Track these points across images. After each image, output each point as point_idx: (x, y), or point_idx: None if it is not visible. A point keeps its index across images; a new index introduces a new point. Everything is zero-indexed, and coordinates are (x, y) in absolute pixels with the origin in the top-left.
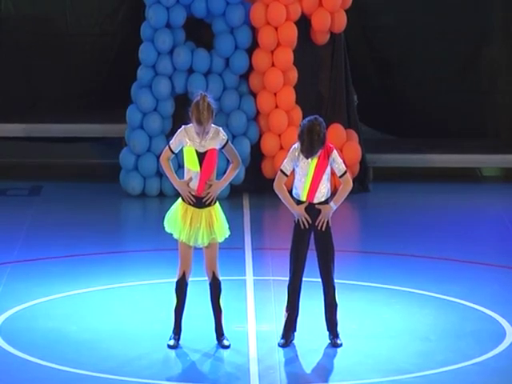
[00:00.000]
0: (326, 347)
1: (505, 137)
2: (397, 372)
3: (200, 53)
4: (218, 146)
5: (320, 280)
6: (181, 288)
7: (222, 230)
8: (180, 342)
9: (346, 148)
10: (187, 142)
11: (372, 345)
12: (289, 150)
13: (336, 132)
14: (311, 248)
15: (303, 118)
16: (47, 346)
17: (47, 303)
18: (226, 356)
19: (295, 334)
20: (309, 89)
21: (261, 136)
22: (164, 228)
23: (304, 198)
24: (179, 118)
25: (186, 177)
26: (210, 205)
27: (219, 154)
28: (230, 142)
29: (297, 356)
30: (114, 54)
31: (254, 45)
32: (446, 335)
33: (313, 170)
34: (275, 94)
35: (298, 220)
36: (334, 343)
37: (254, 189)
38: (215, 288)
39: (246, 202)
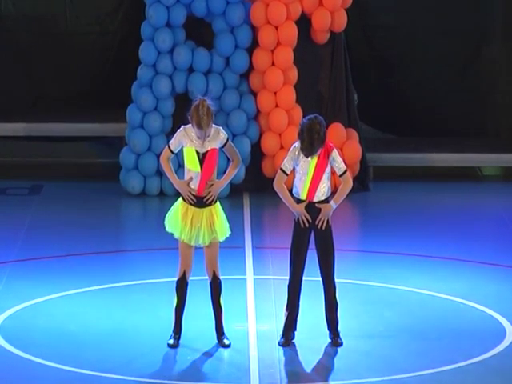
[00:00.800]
0: (327, 346)
1: (505, 136)
2: (397, 371)
3: (200, 52)
4: (218, 146)
5: (320, 279)
6: (181, 287)
7: (222, 230)
8: (180, 341)
9: (346, 147)
10: (187, 142)
11: (372, 344)
12: (289, 149)
13: (336, 131)
14: (311, 247)
15: (303, 117)
16: (47, 345)
17: (47, 302)
18: (226, 355)
19: (295, 333)
20: (309, 88)
21: (261, 135)
22: (164, 227)
23: (304, 197)
24: (179, 118)
25: (187, 177)
26: (210, 204)
27: (219, 153)
28: (230, 141)
29: (297, 355)
30: (114, 53)
31: (254, 44)
32: (446, 334)
33: (313, 169)
34: (275, 94)
35: (298, 219)
36: (335, 342)
37: (254, 188)
38: (215, 287)
39: (246, 201)
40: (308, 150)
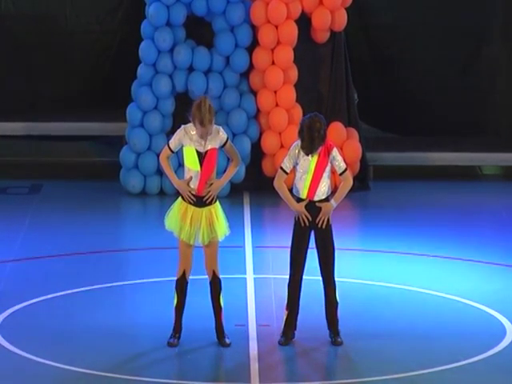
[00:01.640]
0: (327, 345)
1: (504, 135)
2: (397, 370)
3: (200, 51)
4: (218, 145)
5: (320, 278)
6: (181, 286)
7: (222, 229)
8: (180, 340)
9: (347, 146)
10: (187, 141)
11: (372, 343)
12: (289, 148)
13: (336, 130)
14: (312, 246)
15: (303, 116)
16: (47, 345)
17: (47, 301)
18: (226, 354)
19: (295, 332)
20: (309, 87)
21: (261, 134)
22: (164, 226)
23: (304, 196)
24: (179, 117)
25: (186, 176)
26: (210, 204)
27: (219, 153)
28: (229, 141)
29: (297, 354)
30: (114, 52)
31: (255, 43)
32: (446, 333)
33: (313, 168)
34: (275, 93)
35: (299, 218)
36: (335, 341)
37: (254, 187)
38: (215, 286)
39: (246, 200)
40: (308, 147)
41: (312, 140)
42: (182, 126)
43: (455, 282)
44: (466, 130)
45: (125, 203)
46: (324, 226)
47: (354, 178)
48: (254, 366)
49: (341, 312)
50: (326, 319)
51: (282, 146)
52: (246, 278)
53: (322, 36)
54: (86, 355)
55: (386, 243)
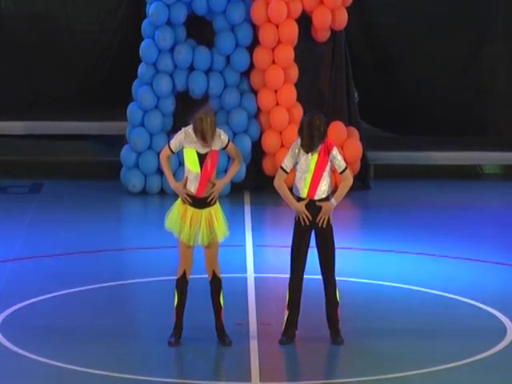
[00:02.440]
0: (328, 344)
1: (505, 134)
2: (398, 369)
3: (201, 50)
4: (219, 148)
5: (321, 277)
6: (181, 286)
7: (221, 230)
8: (180, 339)
9: (347, 145)
10: (188, 144)
11: (373, 342)
12: (289, 148)
13: (337, 129)
14: (312, 245)
15: (304, 115)
16: (47, 344)
17: (48, 300)
18: (226, 353)
19: (296, 331)
20: (309, 86)
21: (262, 133)
22: (165, 225)
23: (305, 195)
24: (180, 116)
25: (186, 176)
26: (209, 205)
27: (220, 154)
28: (231, 142)
29: (298, 353)
30: (115, 52)
31: (255, 42)
32: (446, 332)
33: (313, 167)
34: (276, 92)
35: (299, 217)
36: (336, 340)
37: (254, 186)
38: (215, 286)
39: (246, 200)
40: (308, 146)
41: (312, 138)
42: (183, 129)
43: (456, 281)
44: (466, 129)
45: (125, 202)
46: (324, 225)
47: (355, 177)
48: (255, 365)
49: (342, 311)
50: (327, 319)
51: (282, 146)
52: (246, 277)
53: (322, 35)
54: (87, 354)
55: (386, 242)
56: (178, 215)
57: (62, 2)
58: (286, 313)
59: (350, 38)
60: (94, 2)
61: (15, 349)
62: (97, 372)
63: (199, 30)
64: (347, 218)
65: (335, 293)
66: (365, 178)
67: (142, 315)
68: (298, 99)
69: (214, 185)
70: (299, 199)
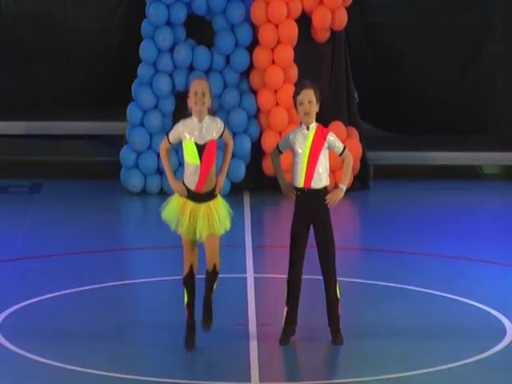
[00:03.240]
0: (328, 344)
1: (506, 134)
2: (398, 370)
3: (200, 50)
4: (216, 136)
5: (321, 276)
6: (190, 282)
7: (222, 223)
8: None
9: (347, 145)
10: (185, 135)
11: (373, 343)
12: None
13: (337, 129)
14: (312, 246)
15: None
16: (47, 344)
17: (47, 301)
18: (226, 353)
19: (296, 328)
20: None
21: (261, 133)
22: (165, 225)
23: (301, 184)
24: (180, 116)
25: (186, 171)
26: (209, 199)
27: (218, 145)
28: (226, 128)
29: (298, 353)
30: (115, 51)
31: (255, 42)
32: (446, 333)
33: (309, 148)
34: (276, 92)
35: (295, 212)
36: (335, 339)
37: (254, 186)
38: (212, 276)
39: (246, 200)
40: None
41: (304, 83)
42: (181, 120)
43: (455, 281)
44: (466, 129)
45: (125, 202)
46: (331, 203)
47: (355, 178)
48: (255, 365)
49: (342, 312)
50: (328, 316)
51: None
52: (246, 278)
53: (322, 35)
54: (87, 354)
55: (386, 242)
56: (176, 207)
57: (62, 1)
58: (285, 309)
59: (349, 38)
60: (93, 1)
61: (15, 349)
62: (97, 372)
63: (199, 29)
64: (347, 217)
65: (335, 290)
66: (364, 178)
67: (143, 315)
68: None
69: (214, 180)
70: (297, 190)
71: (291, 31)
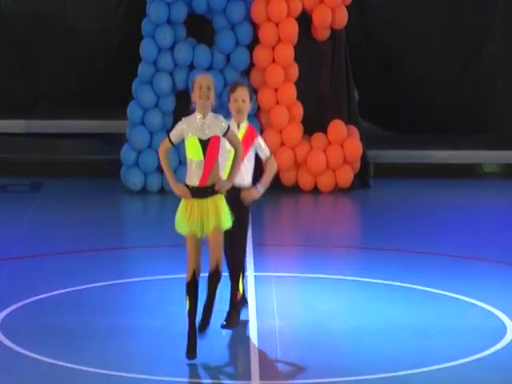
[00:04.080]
0: (327, 343)
1: (505, 133)
2: (397, 368)
3: (201, 49)
4: (220, 133)
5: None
6: (192, 289)
7: (226, 219)
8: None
9: (347, 144)
10: (188, 133)
11: (372, 341)
12: (290, 146)
13: (337, 128)
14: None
15: (304, 114)
16: (48, 342)
17: (48, 299)
18: (226, 351)
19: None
20: (310, 85)
21: (262, 132)
22: (164, 223)
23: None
24: (180, 114)
25: (189, 169)
26: (213, 194)
27: (221, 143)
28: (231, 130)
29: (298, 351)
30: (115, 50)
31: (255, 41)
32: (446, 331)
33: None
34: (276, 90)
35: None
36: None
37: (254, 185)
38: (214, 278)
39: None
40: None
41: (235, 82)
42: (183, 118)
43: (455, 280)
44: (466, 127)
45: (125, 201)
46: (246, 203)
47: (355, 176)
48: (255, 364)
49: (341, 309)
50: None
51: (282, 144)
52: (246, 276)
53: (322, 34)
54: (87, 353)
55: (386, 241)
56: (184, 213)
57: (62, 1)
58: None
59: (350, 36)
60: (94, 1)
61: (16, 347)
62: (97, 371)
63: (199, 28)
64: (347, 216)
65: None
66: (365, 177)
67: (142, 314)
68: (298, 98)
69: (218, 176)
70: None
71: (291, 30)
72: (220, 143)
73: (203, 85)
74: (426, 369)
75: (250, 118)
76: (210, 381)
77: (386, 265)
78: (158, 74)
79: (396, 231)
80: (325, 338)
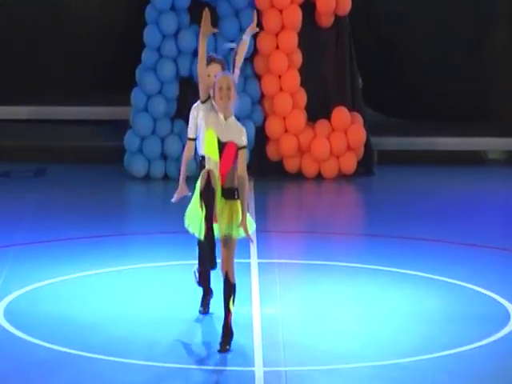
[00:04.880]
0: (331, 330)
1: (510, 119)
2: (401, 355)
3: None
4: (237, 141)
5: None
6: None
7: (239, 227)
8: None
9: (351, 131)
10: (208, 124)
11: (377, 328)
12: (294, 133)
13: (341, 115)
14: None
15: (308, 100)
16: (51, 329)
17: (51, 286)
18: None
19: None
20: (313, 72)
21: (265, 119)
22: (168, 209)
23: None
24: (184, 101)
25: (207, 164)
26: (230, 197)
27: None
28: (245, 149)
29: (302, 339)
30: (119, 37)
31: (259, 28)
32: (450, 318)
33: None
34: (280, 77)
35: None
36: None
37: (258, 171)
38: (226, 290)
39: (250, 185)
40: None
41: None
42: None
43: (459, 267)
44: (470, 114)
45: (129, 187)
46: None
47: (359, 163)
48: (258, 351)
49: (345, 297)
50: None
51: (286, 131)
52: (250, 263)
53: (326, 20)
54: (90, 339)
55: (390, 228)
56: (197, 210)
57: None
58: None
59: (353, 23)
60: None
61: (20, 334)
62: (101, 357)
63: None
64: (351, 203)
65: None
66: (368, 164)
67: (145, 300)
68: (302, 85)
69: (234, 181)
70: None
71: (295, 16)
72: (235, 151)
73: (223, 85)
74: (429, 356)
75: (253, 104)
76: (213, 367)
77: (390, 252)
78: (162, 60)
79: (399, 218)
80: (328, 324)
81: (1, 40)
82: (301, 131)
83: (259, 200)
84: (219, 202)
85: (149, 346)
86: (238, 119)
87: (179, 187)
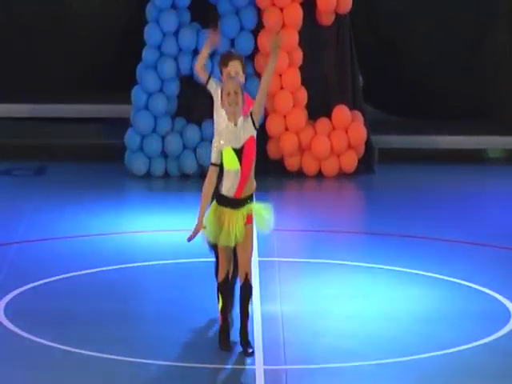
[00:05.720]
0: (332, 328)
1: (509, 119)
2: (400, 353)
3: (205, 34)
4: (252, 133)
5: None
6: (225, 289)
7: (260, 223)
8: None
9: (352, 129)
10: (224, 144)
11: (376, 326)
12: (294, 131)
13: (341, 113)
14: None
15: (308, 98)
16: (52, 327)
17: (52, 283)
18: (231, 337)
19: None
20: (314, 70)
21: (266, 117)
22: (168, 207)
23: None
24: (184, 99)
25: (226, 177)
26: (246, 204)
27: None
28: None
29: (302, 337)
30: (119, 35)
31: (260, 26)
32: (450, 316)
33: None
34: (280, 75)
35: None
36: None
37: (259, 170)
38: (245, 292)
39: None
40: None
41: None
42: (215, 134)
43: (459, 265)
44: (471, 113)
45: (129, 185)
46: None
47: (359, 161)
48: (259, 349)
49: (344, 295)
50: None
51: (286, 129)
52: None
53: (327, 19)
54: (92, 338)
55: (390, 226)
56: (213, 219)
57: None
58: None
59: (354, 22)
60: None
61: (20, 332)
62: (103, 355)
63: (204, 13)
64: (351, 201)
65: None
66: (369, 162)
67: (147, 298)
68: (303, 83)
69: (253, 184)
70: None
71: (296, 15)
72: (255, 144)
73: (231, 91)
74: (429, 354)
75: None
76: (214, 365)
77: (390, 250)
78: (163, 58)
79: (400, 216)
80: (329, 323)
81: (1, 40)
82: (301, 129)
83: (260, 198)
84: (233, 214)
85: (150, 345)
86: None
87: (197, 223)
